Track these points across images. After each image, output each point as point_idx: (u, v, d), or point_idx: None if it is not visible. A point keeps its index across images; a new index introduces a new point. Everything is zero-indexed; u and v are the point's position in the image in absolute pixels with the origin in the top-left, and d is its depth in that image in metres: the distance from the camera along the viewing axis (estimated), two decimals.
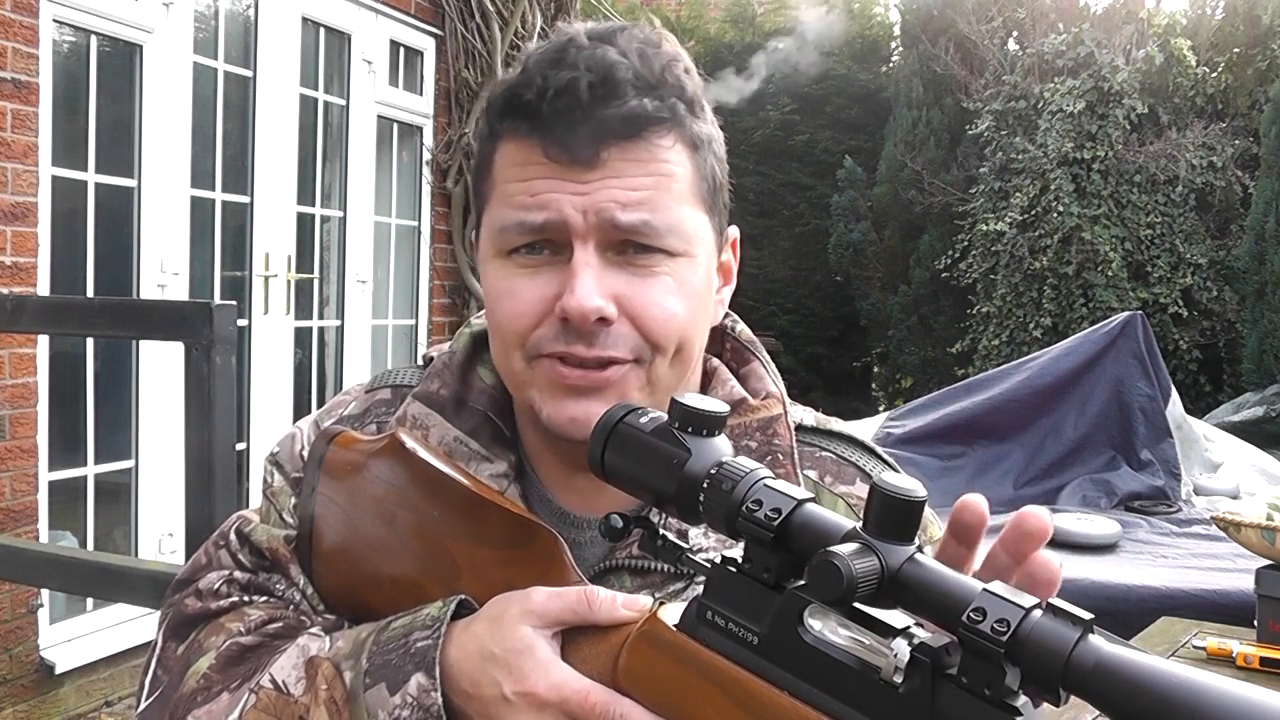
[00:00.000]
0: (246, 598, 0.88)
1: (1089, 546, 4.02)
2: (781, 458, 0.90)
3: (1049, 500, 4.76)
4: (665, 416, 0.67)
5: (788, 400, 0.95)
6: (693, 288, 0.85)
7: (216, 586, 0.88)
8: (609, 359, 0.82)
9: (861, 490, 0.92)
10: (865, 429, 5.14)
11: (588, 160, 0.81)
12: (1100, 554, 3.98)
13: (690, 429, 0.66)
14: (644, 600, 0.70)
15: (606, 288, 0.81)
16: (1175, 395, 5.14)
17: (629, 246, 0.83)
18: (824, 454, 0.94)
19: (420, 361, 1.01)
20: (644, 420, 0.68)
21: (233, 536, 0.92)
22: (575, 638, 0.70)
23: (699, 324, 0.87)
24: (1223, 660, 2.22)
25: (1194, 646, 2.33)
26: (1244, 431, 6.42)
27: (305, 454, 0.93)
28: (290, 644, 0.80)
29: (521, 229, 0.83)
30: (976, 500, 0.60)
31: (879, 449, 0.98)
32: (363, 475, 0.83)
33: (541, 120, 0.81)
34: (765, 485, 0.62)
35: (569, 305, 0.80)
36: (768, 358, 0.97)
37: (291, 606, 0.87)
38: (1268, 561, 2.52)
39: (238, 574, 0.89)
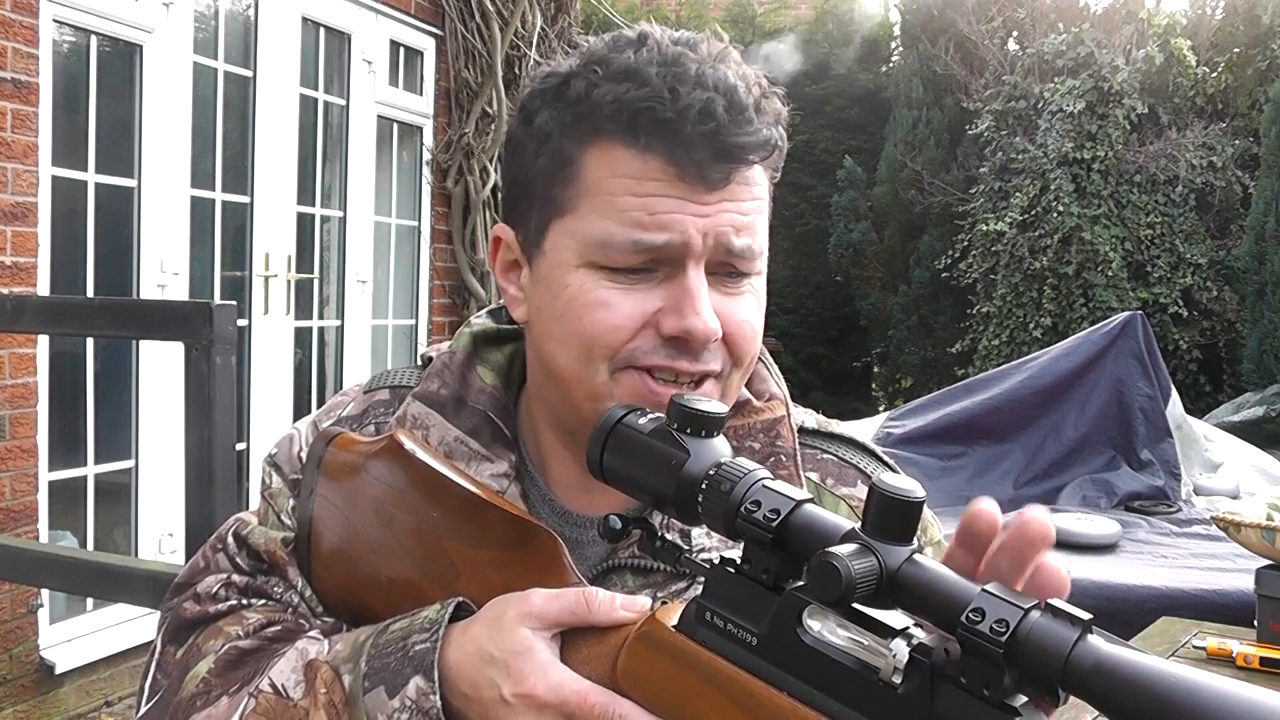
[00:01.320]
0: (245, 601, 0.88)
1: (1089, 546, 4.02)
2: (784, 459, 0.90)
3: (1049, 500, 4.75)
4: (664, 417, 0.67)
5: (791, 403, 0.95)
6: (763, 303, 0.88)
7: (214, 590, 0.88)
8: (709, 373, 0.84)
9: (863, 492, 0.91)
10: (865, 429, 5.14)
11: (714, 183, 0.80)
12: (1100, 554, 3.97)
13: (689, 430, 0.66)
14: (643, 601, 0.70)
15: (713, 307, 0.83)
16: (1175, 395, 5.13)
17: (726, 268, 0.84)
18: (826, 456, 0.95)
19: (419, 362, 1.00)
20: (643, 421, 0.68)
21: (230, 539, 0.91)
22: (574, 639, 0.70)
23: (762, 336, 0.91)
24: (1223, 660, 2.22)
25: (1194, 646, 2.33)
26: (1244, 431, 6.42)
27: (303, 455, 0.93)
28: (289, 647, 0.80)
29: (637, 247, 0.81)
30: (989, 509, 0.60)
31: (881, 452, 0.98)
32: (361, 477, 0.82)
33: (679, 138, 0.79)
34: (764, 486, 0.62)
35: (694, 327, 0.80)
36: (771, 360, 0.98)
37: (290, 609, 0.87)
38: (1268, 561, 2.52)
39: (235, 577, 0.89)
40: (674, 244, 0.80)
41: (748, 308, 0.85)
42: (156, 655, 0.88)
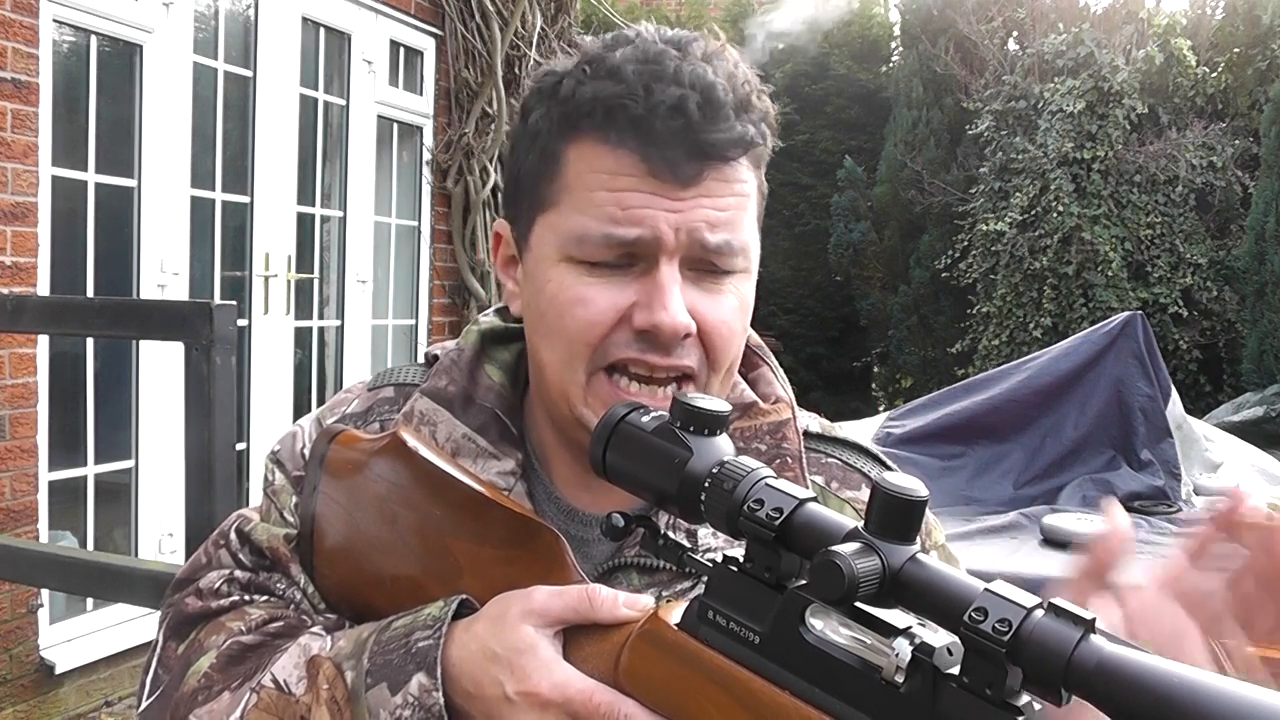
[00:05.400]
0: (247, 597, 0.88)
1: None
2: (790, 462, 0.91)
3: (1049, 500, 4.75)
4: (667, 415, 0.67)
5: (796, 406, 0.95)
6: (748, 304, 0.88)
7: (217, 586, 0.88)
8: (680, 368, 0.84)
9: (866, 496, 0.92)
10: (865, 429, 5.13)
11: (687, 179, 0.81)
12: None
13: (692, 428, 0.66)
14: (645, 599, 0.70)
15: (687, 303, 0.83)
16: (1175, 395, 5.13)
17: (704, 264, 0.84)
18: (830, 460, 0.95)
19: (422, 360, 1.00)
20: (646, 419, 0.68)
21: (233, 536, 0.91)
22: (577, 637, 0.70)
23: (745, 337, 0.91)
24: None
25: None
26: (1244, 431, 6.42)
27: (306, 452, 0.93)
28: (291, 643, 0.80)
29: (609, 241, 0.82)
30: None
31: (885, 458, 0.98)
32: (364, 474, 0.82)
33: (650, 134, 0.80)
34: (767, 485, 0.62)
35: (661, 321, 0.81)
36: (775, 363, 0.98)
37: (292, 605, 0.87)
38: None
39: (238, 573, 0.89)
40: (645, 239, 0.81)
41: (727, 307, 0.85)
42: (158, 650, 0.88)
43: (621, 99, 0.81)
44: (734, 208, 0.84)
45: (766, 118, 0.86)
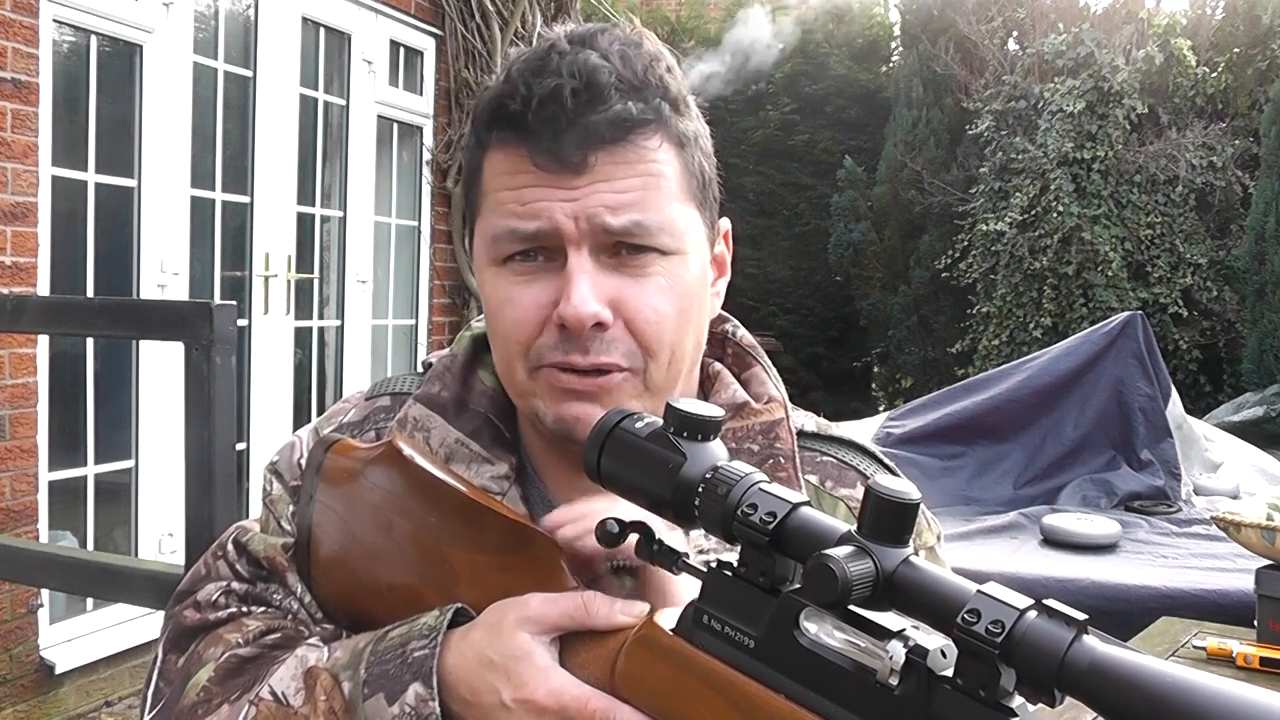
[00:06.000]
0: (245, 608, 0.88)
1: (1089, 546, 4.02)
2: (783, 461, 0.90)
3: (1049, 500, 4.76)
4: (661, 421, 0.68)
5: (789, 405, 0.95)
6: (685, 285, 0.86)
7: (215, 598, 0.88)
8: (605, 365, 0.83)
9: (860, 493, 0.92)
10: (865, 429, 5.14)
11: (575, 166, 0.81)
12: (1100, 554, 3.98)
13: (685, 434, 0.66)
14: (641, 605, 0.70)
15: (602, 292, 0.82)
16: (1175, 395, 5.13)
17: (622, 248, 0.83)
18: (825, 459, 0.95)
19: (420, 368, 1.01)
20: (639, 425, 0.68)
21: (230, 547, 0.92)
22: (573, 643, 0.70)
23: (693, 322, 0.88)
24: (1223, 660, 2.22)
25: (1194, 646, 2.33)
26: (1244, 431, 6.42)
27: (304, 462, 0.93)
28: (289, 655, 0.81)
29: (513, 237, 0.83)
30: None
31: (881, 455, 0.98)
32: (360, 482, 0.83)
33: (528, 129, 0.82)
34: (760, 489, 0.62)
35: (565, 313, 0.81)
36: (769, 362, 0.98)
37: (289, 616, 0.87)
38: (1268, 561, 2.52)
39: (236, 585, 0.89)
40: (545, 230, 0.82)
41: (654, 289, 0.83)
42: (159, 663, 0.88)
43: (504, 99, 0.83)
44: (639, 188, 0.83)
45: (668, 94, 0.85)
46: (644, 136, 0.83)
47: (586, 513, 0.74)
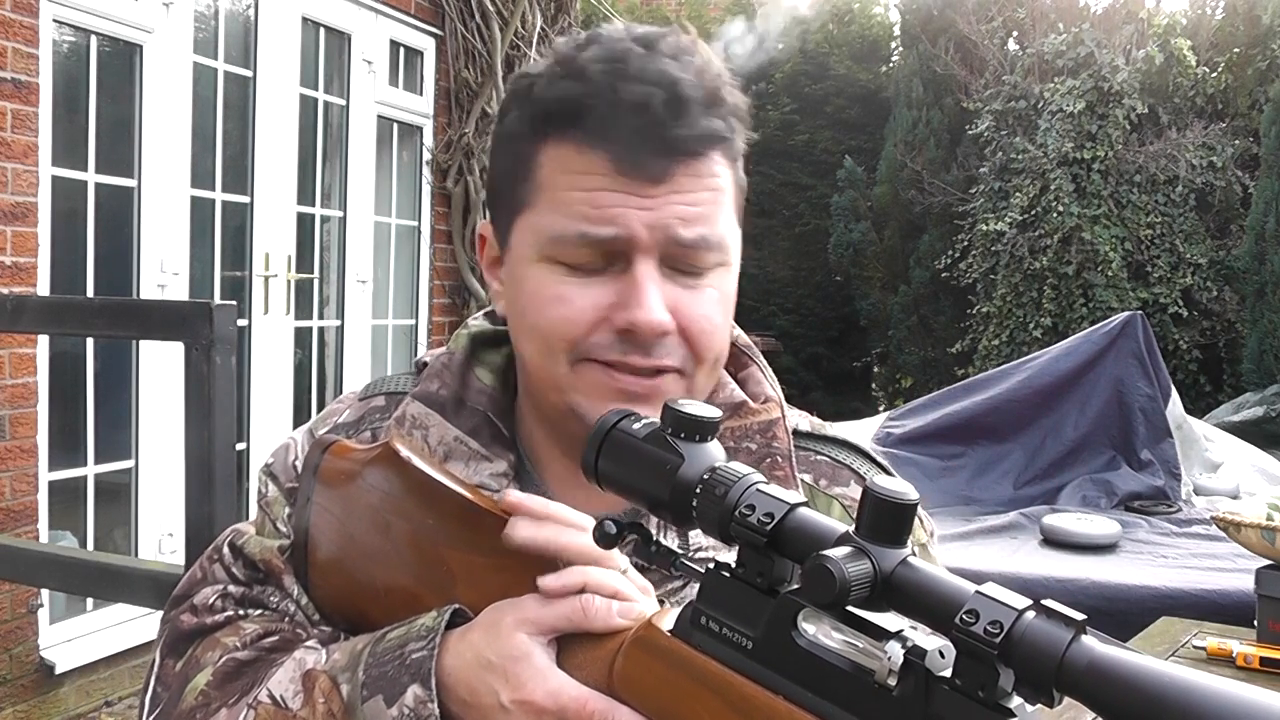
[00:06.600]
0: (241, 611, 0.88)
1: (1089, 546, 4.02)
2: (780, 460, 0.91)
3: (1049, 500, 4.75)
4: (658, 422, 0.68)
5: (785, 404, 0.96)
6: (730, 297, 0.89)
7: (211, 601, 0.88)
8: (662, 367, 0.85)
9: (855, 492, 0.93)
10: (865, 429, 5.14)
11: (657, 177, 0.81)
12: (1100, 554, 3.98)
13: (683, 434, 0.66)
14: (639, 607, 0.70)
15: (665, 301, 0.83)
16: (1175, 395, 5.13)
17: (681, 260, 0.84)
18: (819, 458, 0.95)
19: (413, 368, 1.01)
20: (637, 426, 0.68)
21: (226, 550, 0.91)
22: (570, 644, 0.70)
23: (730, 330, 0.91)
24: (1223, 660, 2.22)
25: (1194, 646, 2.33)
26: (1244, 431, 6.42)
27: (299, 464, 0.93)
28: (287, 658, 0.81)
29: (584, 241, 0.82)
30: None
31: (874, 454, 0.99)
32: (357, 484, 0.83)
33: (611, 133, 0.81)
34: (758, 490, 0.62)
35: (638, 320, 0.82)
36: (764, 362, 0.98)
37: (286, 618, 0.87)
38: (1268, 561, 2.52)
39: (232, 588, 0.89)
40: (620, 238, 0.82)
41: (707, 301, 0.86)
42: (156, 668, 0.88)
43: (587, 99, 0.82)
44: (707, 203, 0.84)
45: (737, 111, 0.86)
46: (717, 152, 0.84)
47: (550, 515, 0.74)
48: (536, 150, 0.85)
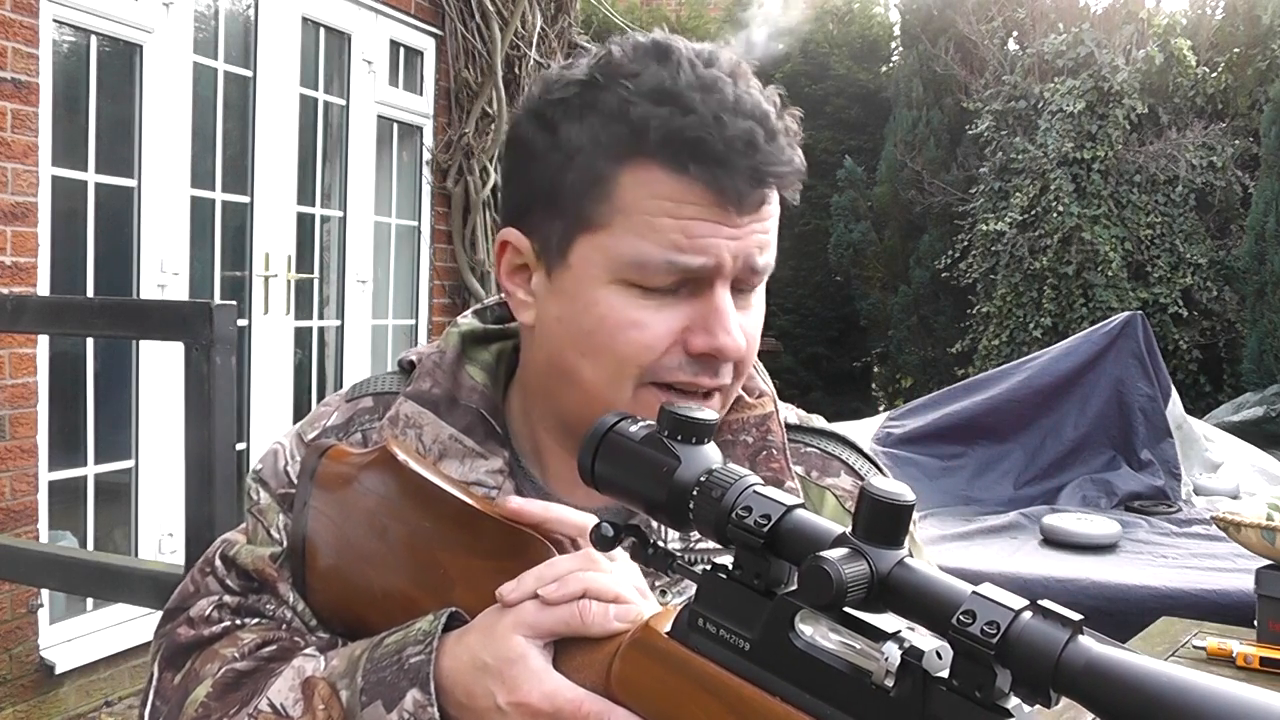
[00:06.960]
0: (238, 621, 0.88)
1: (1089, 546, 4.02)
2: (775, 453, 0.93)
3: (1049, 500, 4.75)
4: (655, 425, 0.68)
5: (777, 399, 0.97)
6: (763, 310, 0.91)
7: (208, 612, 0.88)
8: (721, 386, 0.87)
9: (846, 482, 0.95)
10: (865, 429, 5.14)
11: (750, 208, 0.83)
12: (1100, 554, 3.98)
13: (680, 437, 0.66)
14: (636, 609, 0.70)
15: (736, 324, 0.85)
16: (1175, 395, 5.13)
17: (745, 282, 0.86)
18: (809, 450, 0.97)
19: (396, 368, 1.00)
20: (634, 429, 0.68)
21: (217, 562, 0.91)
22: (568, 646, 0.71)
23: None
24: (1223, 660, 2.22)
25: (1194, 646, 2.33)
26: (1244, 431, 6.42)
27: (289, 470, 0.93)
28: (286, 666, 0.81)
29: (673, 269, 0.82)
30: None
31: (860, 444, 1.00)
32: (354, 488, 0.83)
33: (714, 165, 0.80)
34: (755, 492, 0.63)
35: (725, 345, 0.83)
36: (755, 358, 0.99)
37: (284, 626, 0.87)
38: (1268, 561, 2.52)
39: (227, 598, 0.89)
40: (709, 266, 0.82)
41: (756, 319, 0.89)
42: (154, 682, 0.88)
43: (696, 131, 0.80)
44: (773, 229, 0.86)
45: (798, 137, 0.87)
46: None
47: (551, 518, 0.76)
48: (616, 171, 0.82)
